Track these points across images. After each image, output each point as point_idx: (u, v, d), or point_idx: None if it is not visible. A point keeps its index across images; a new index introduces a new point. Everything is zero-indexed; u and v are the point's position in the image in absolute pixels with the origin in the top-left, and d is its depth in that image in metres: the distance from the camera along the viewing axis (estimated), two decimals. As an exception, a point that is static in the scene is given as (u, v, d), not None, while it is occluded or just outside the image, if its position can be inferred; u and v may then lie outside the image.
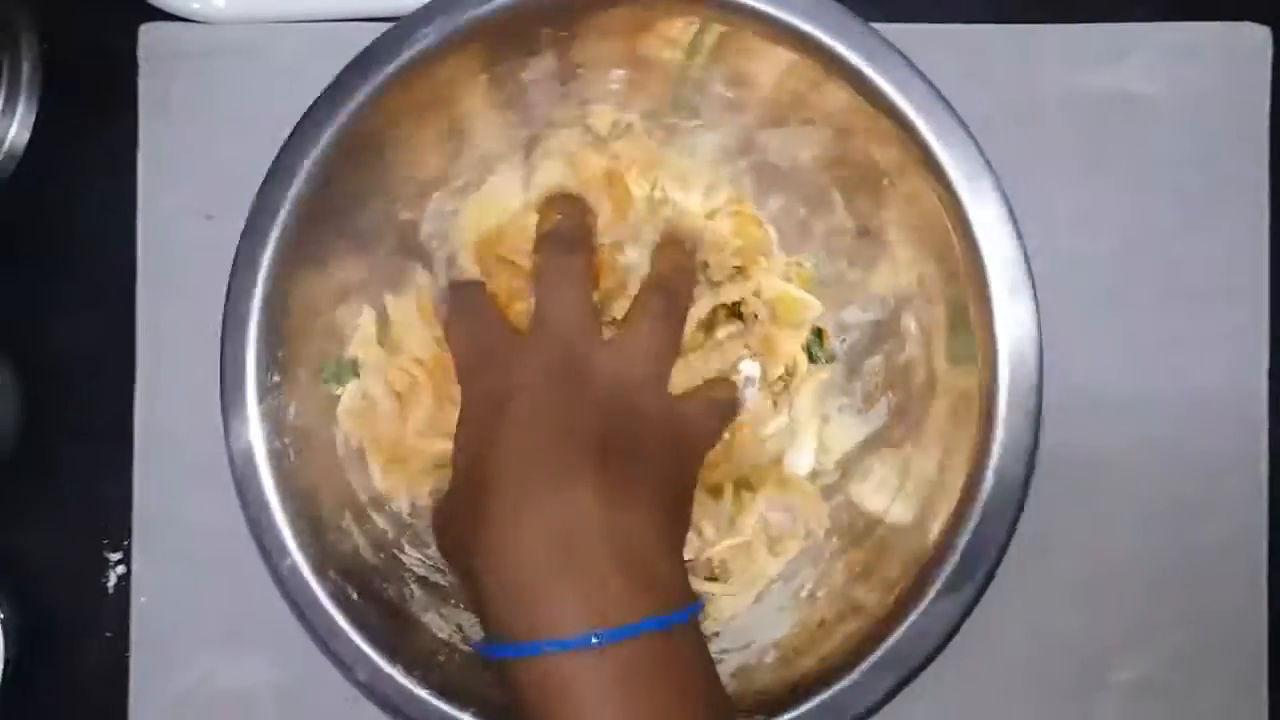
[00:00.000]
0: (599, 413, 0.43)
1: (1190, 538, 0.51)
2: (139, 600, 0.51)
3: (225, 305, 0.44)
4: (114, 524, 0.51)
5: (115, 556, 0.52)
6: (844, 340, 0.50)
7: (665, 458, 0.44)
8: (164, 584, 0.51)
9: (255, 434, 0.43)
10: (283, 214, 0.43)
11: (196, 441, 0.51)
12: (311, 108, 0.44)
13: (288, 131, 0.51)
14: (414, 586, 0.47)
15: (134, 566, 0.51)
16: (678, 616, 0.40)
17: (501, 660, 0.39)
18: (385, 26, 0.51)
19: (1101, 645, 0.51)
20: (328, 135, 0.43)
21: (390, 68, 0.43)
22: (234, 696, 0.50)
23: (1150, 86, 0.51)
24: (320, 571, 0.43)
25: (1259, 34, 0.51)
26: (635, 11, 0.44)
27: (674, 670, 0.39)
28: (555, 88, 0.47)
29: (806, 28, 0.43)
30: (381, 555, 0.46)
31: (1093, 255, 0.51)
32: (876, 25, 0.50)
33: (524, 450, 0.41)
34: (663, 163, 0.50)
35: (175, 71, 0.52)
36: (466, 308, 0.48)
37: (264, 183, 0.44)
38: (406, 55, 0.43)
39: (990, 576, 0.42)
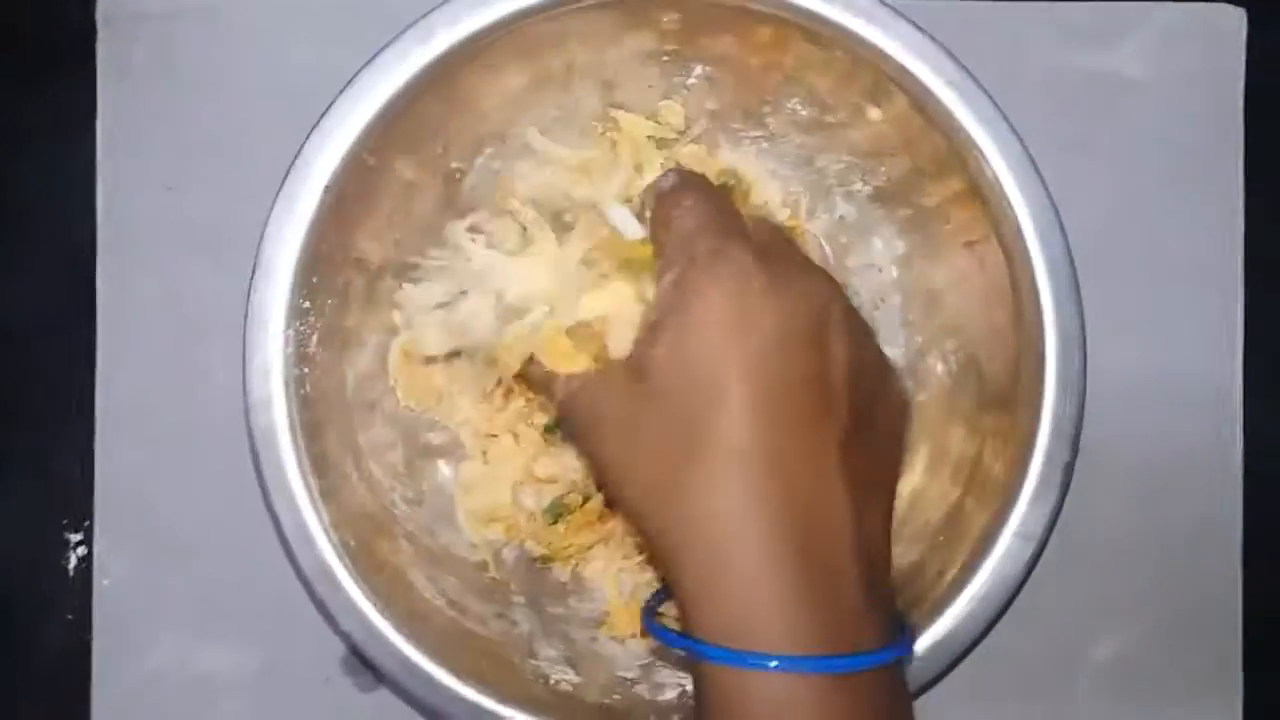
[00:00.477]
0: (848, 376, 0.35)
1: (1167, 518, 0.51)
2: (101, 582, 0.49)
3: (273, 204, 0.42)
4: (74, 503, 0.50)
5: (76, 537, 0.50)
6: None
7: (898, 438, 0.38)
8: (128, 565, 0.49)
9: (278, 351, 0.42)
10: (354, 125, 0.42)
11: (162, 417, 0.50)
12: (406, 31, 0.43)
13: (254, 100, 0.50)
14: (404, 542, 0.46)
15: (96, 547, 0.49)
16: (906, 646, 0.35)
17: (698, 659, 0.33)
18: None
19: (1080, 624, 0.51)
20: (422, 61, 0.43)
21: (500, 14, 0.42)
22: (203, 681, 0.49)
23: (1133, 67, 0.51)
24: (320, 513, 0.42)
25: (1234, 16, 0.51)
26: (739, 15, 0.43)
27: (895, 711, 0.34)
28: (636, 68, 0.46)
29: (906, 62, 0.43)
30: (377, 505, 0.46)
31: (1074, 235, 0.51)
32: None
33: (774, 417, 0.33)
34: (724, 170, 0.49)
35: (136, 34, 0.50)
36: (700, 184, 0.39)
37: (342, 92, 0.43)
38: (519, 6, 0.42)
39: (994, 622, 0.43)
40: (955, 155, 0.44)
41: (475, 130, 0.47)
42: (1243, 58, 0.51)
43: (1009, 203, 0.43)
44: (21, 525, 0.50)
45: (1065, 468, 0.43)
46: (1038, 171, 0.43)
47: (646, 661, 0.46)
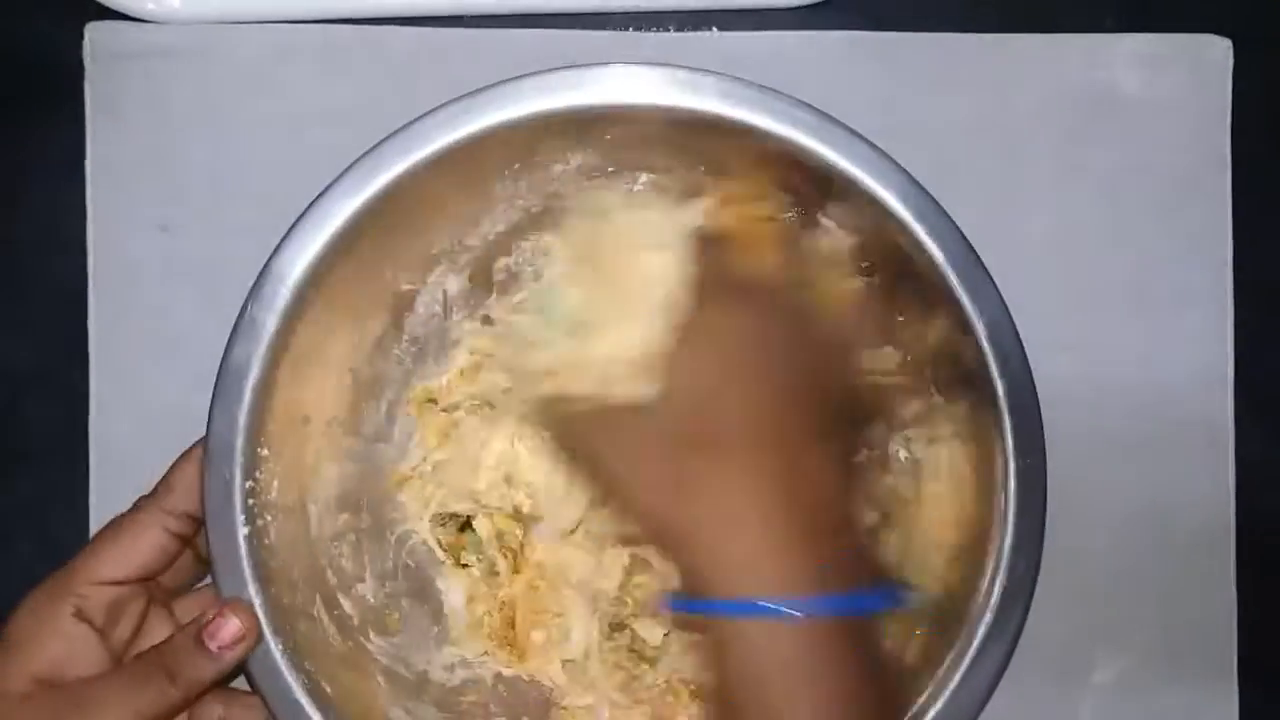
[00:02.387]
0: (824, 380, 0.43)
1: (1161, 538, 0.52)
2: (100, 636, 0.48)
3: (218, 379, 0.42)
4: (67, 556, 0.47)
5: (71, 590, 0.48)
6: None
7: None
8: (126, 618, 0.48)
9: (240, 520, 0.41)
10: (301, 267, 0.42)
11: (156, 466, 0.48)
12: (354, 165, 0.43)
13: (249, 138, 0.49)
14: (380, 679, 0.45)
15: (93, 600, 0.48)
16: (898, 596, 0.41)
17: (710, 613, 0.39)
18: (349, 29, 0.50)
19: (1080, 647, 0.52)
20: (371, 190, 0.42)
21: (441, 144, 0.43)
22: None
23: (1120, 95, 0.52)
24: (296, 665, 0.42)
25: (1220, 45, 0.52)
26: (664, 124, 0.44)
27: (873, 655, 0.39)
28: (580, 180, 0.46)
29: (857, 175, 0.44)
30: (349, 644, 0.45)
31: (1064, 259, 0.52)
32: (859, 34, 0.51)
33: (763, 411, 0.40)
34: None
35: (126, 73, 0.49)
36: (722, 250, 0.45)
37: (288, 234, 0.42)
38: (462, 135, 0.43)
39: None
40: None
41: (425, 250, 0.47)
42: (1229, 86, 0.52)
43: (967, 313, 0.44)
44: (16, 579, 0.48)
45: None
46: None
47: None
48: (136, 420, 0.49)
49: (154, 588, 0.44)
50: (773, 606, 0.37)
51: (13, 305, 0.49)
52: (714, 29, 0.51)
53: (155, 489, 0.43)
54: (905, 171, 0.43)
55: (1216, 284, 0.53)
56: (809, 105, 0.43)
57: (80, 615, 0.41)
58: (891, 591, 0.41)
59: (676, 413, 0.41)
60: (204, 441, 0.41)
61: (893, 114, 0.50)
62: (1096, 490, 0.52)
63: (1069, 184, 0.52)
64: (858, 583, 0.39)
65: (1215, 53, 0.52)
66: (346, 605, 0.46)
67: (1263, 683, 0.52)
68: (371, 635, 0.46)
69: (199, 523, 0.43)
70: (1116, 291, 0.52)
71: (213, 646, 0.40)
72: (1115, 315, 0.52)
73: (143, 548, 0.42)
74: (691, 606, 0.39)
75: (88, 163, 0.49)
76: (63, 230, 0.49)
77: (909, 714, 0.43)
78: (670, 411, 0.41)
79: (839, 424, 0.43)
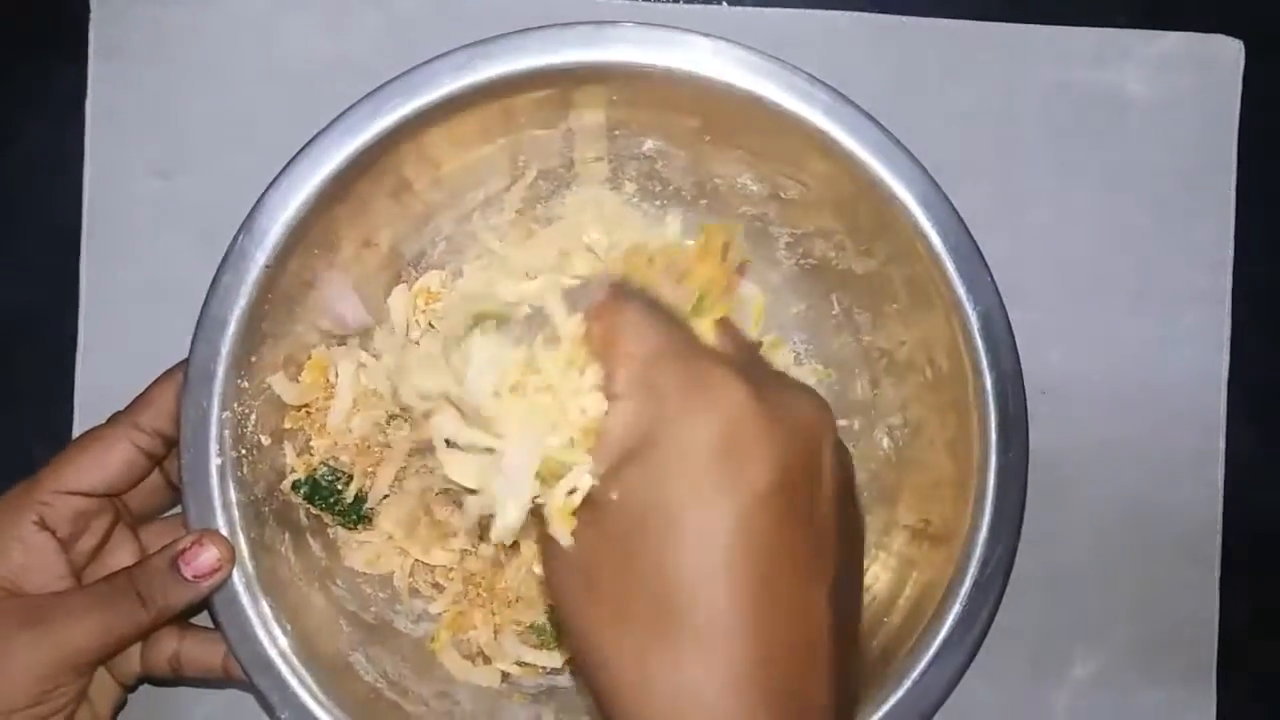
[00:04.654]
0: (837, 508, 0.32)
1: (1146, 536, 0.52)
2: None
3: (204, 307, 0.41)
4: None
5: (52, 531, 0.49)
6: None
7: (861, 556, 0.36)
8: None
9: (214, 451, 0.41)
10: (296, 204, 0.41)
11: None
12: (357, 105, 0.42)
13: (251, 86, 0.49)
14: (343, 622, 0.45)
15: (73, 540, 0.48)
16: None
17: None
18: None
19: (1059, 641, 0.52)
20: (372, 132, 0.42)
21: (446, 91, 0.42)
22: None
23: (1128, 91, 0.52)
24: (256, 599, 0.41)
25: (1232, 46, 0.52)
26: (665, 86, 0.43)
27: None
28: (585, 139, 0.46)
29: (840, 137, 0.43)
30: (314, 584, 0.45)
31: (1065, 255, 0.52)
32: (866, 15, 0.51)
33: (763, 583, 0.30)
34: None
35: (131, 17, 0.49)
36: (638, 297, 0.33)
37: (285, 169, 0.41)
38: (468, 83, 0.42)
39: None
40: (901, 237, 0.44)
41: (423, 201, 0.46)
42: (1239, 88, 0.52)
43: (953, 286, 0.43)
44: None
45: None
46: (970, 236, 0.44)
47: None
48: (123, 366, 0.48)
49: (121, 508, 0.43)
50: None
51: (5, 245, 0.49)
52: (723, 2, 0.51)
53: (132, 404, 0.42)
54: (913, 156, 0.43)
55: (1215, 285, 0.52)
56: (823, 82, 0.42)
57: (42, 524, 0.41)
58: None
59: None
60: (184, 368, 0.41)
61: (895, 97, 0.50)
62: (1084, 484, 0.52)
63: (1071, 178, 0.52)
64: None
65: (1226, 54, 0.52)
66: (315, 546, 0.45)
67: (1241, 684, 0.52)
68: (338, 579, 0.46)
69: (171, 443, 0.42)
70: (1114, 288, 0.52)
71: (188, 574, 0.40)
72: (1112, 311, 0.52)
73: (111, 461, 0.42)
74: None
75: (88, 106, 0.49)
76: (60, 173, 0.49)
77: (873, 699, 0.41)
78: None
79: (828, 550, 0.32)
